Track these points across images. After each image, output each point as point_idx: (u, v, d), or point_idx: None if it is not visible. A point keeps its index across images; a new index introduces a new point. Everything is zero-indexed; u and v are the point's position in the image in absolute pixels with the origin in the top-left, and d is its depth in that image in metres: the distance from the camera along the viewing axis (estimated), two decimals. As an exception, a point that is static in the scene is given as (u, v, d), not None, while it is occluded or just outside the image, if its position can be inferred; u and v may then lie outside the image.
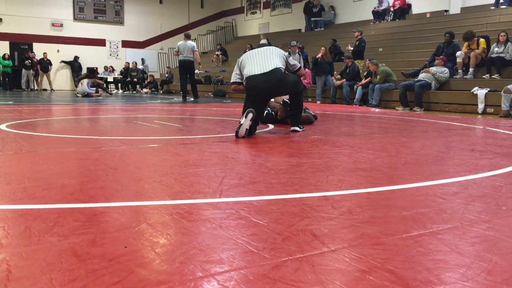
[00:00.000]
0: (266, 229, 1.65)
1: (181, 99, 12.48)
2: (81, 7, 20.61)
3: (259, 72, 4.50)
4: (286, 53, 4.84)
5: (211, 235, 1.58)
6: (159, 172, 2.64)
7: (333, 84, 11.31)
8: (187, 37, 12.46)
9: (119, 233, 1.59)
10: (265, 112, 5.63)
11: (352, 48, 11.58)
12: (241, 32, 23.40)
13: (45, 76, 18.86)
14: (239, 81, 4.78)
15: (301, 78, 5.05)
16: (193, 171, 2.69)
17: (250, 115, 4.26)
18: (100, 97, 13.31)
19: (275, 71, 4.51)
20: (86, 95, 13.56)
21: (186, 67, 12.07)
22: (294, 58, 10.58)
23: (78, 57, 20.13)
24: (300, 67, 4.97)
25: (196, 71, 13.79)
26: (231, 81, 4.92)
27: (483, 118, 7.58)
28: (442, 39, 10.25)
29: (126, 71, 19.56)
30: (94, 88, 13.92)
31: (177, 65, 13.16)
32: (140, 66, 19.96)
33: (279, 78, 4.51)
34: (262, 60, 4.57)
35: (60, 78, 19.29)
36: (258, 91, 4.53)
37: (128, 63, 19.88)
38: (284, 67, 4.67)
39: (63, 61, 20.03)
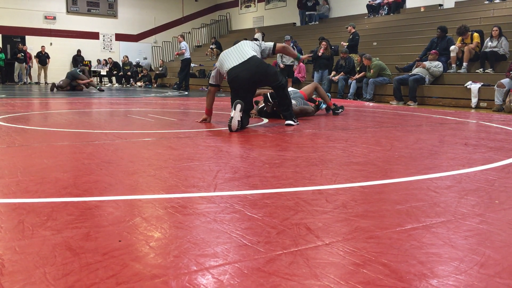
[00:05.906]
0: (260, 223, 1.65)
1: (180, 91, 14.10)
2: (74, 0, 20.41)
3: (238, 63, 4.63)
4: (257, 41, 5.05)
5: (205, 229, 1.58)
6: (153, 166, 2.64)
7: (329, 79, 11.30)
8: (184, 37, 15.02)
9: (113, 227, 1.58)
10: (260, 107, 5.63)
11: (347, 43, 11.55)
12: (236, 26, 23.31)
13: (42, 70, 18.68)
14: (214, 83, 4.99)
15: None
16: (187, 165, 2.68)
17: (239, 106, 4.29)
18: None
19: (252, 58, 4.65)
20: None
21: (189, 63, 14.55)
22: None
23: (81, 51, 20.00)
24: (275, 44, 5.09)
25: (192, 64, 16.08)
26: (209, 82, 5.14)
27: (477, 112, 7.61)
28: (436, 33, 10.25)
29: (115, 66, 19.44)
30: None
31: (172, 59, 14.70)
32: (141, 62, 19.76)
33: (258, 64, 4.65)
34: (238, 53, 4.74)
35: (56, 72, 19.08)
36: (240, 81, 4.60)
37: (111, 59, 19.79)
38: (259, 55, 4.81)
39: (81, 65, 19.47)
